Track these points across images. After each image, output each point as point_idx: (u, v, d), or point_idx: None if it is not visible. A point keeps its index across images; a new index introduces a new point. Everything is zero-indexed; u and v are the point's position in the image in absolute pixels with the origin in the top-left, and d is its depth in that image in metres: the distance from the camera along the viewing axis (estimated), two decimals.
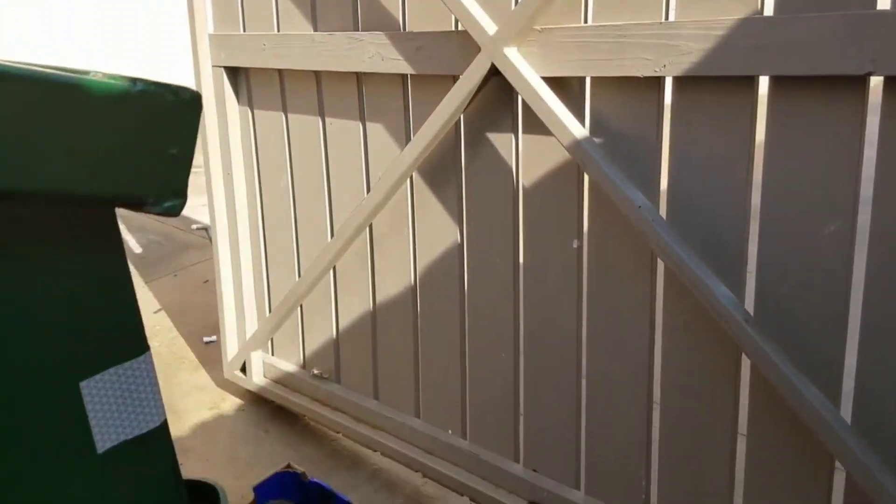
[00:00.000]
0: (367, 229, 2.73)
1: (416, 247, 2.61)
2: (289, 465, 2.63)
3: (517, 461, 2.50)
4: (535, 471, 2.45)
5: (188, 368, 3.75)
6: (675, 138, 1.93)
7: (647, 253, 2.04)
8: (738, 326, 1.84)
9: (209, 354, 3.82)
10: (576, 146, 2.04)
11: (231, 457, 3.09)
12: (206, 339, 3.94)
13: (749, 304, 1.89)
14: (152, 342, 4.02)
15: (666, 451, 2.15)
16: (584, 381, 2.29)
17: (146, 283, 4.69)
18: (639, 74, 1.89)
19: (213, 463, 3.05)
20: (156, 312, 4.31)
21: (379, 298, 2.77)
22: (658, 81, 1.92)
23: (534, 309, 2.34)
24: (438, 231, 2.52)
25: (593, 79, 2.03)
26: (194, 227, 5.38)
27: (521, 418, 2.47)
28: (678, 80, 1.88)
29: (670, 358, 2.08)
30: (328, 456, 3.05)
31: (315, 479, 2.55)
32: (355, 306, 2.87)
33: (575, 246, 2.21)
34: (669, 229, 1.94)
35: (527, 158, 2.25)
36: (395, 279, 2.69)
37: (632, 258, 2.09)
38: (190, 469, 3.01)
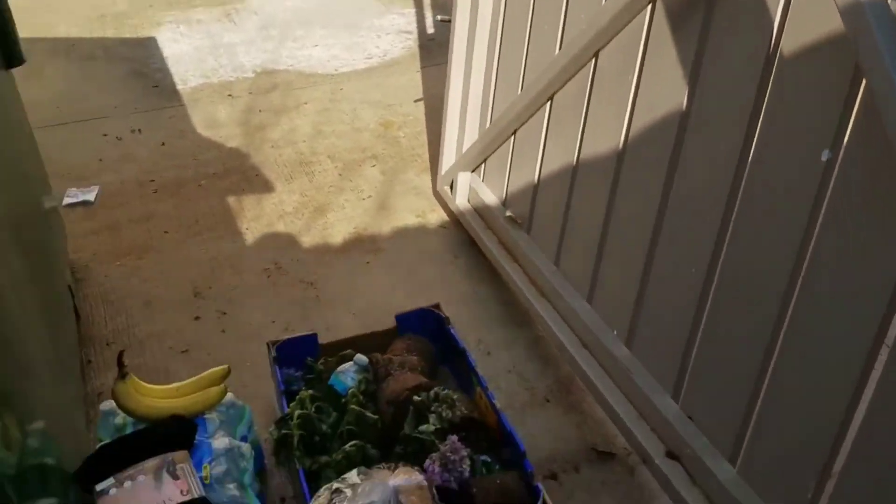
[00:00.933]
0: (592, 62, 2.18)
1: (637, 100, 2.02)
2: (437, 305, 2.44)
3: (675, 399, 2.01)
4: (690, 418, 1.96)
5: (416, 168, 3.64)
6: None
7: None
8: None
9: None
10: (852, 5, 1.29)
11: (412, 271, 2.98)
12: None
13: None
14: (398, 133, 3.99)
15: (855, 468, 1.53)
16: (779, 341, 1.68)
17: (421, 68, 4.57)
18: None
19: (394, 272, 2.98)
20: (416, 101, 4.20)
21: (583, 154, 2.28)
22: None
23: (746, 225, 1.72)
24: (664, 88, 1.91)
25: None
26: (438, 17, 5.02)
27: (694, 351, 1.93)
28: None
29: None
30: (500, 304, 2.80)
31: (454, 331, 2.33)
32: (560, 154, 2.41)
33: (825, 158, 1.51)
34: None
35: (798, 12, 1.51)
36: (604, 134, 2.16)
37: None
38: (371, 270, 2.98)
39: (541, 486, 1.85)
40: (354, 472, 1.74)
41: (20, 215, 2.12)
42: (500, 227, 2.79)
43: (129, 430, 1.94)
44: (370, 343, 2.33)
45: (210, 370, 2.04)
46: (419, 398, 1.98)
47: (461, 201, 3.05)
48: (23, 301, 1.79)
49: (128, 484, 1.75)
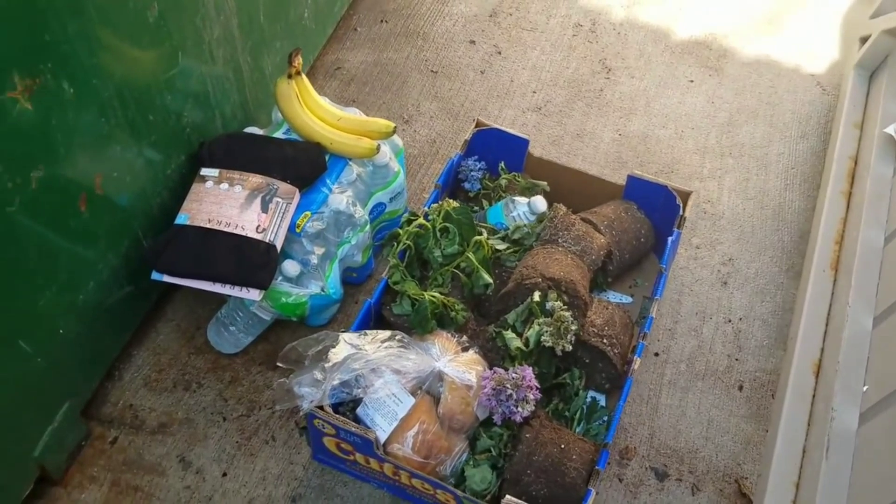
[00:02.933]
0: None
1: None
2: (687, 196, 1.75)
3: None
4: None
5: None
6: None
7: None
8: None
9: None
10: None
11: (731, 123, 2.19)
12: None
13: None
14: None
15: None
16: None
17: None
18: None
19: (708, 113, 2.21)
20: None
21: None
22: None
23: None
24: None
25: None
26: None
27: None
28: None
29: None
30: (794, 233, 1.97)
31: (675, 238, 1.69)
32: None
33: None
34: None
35: None
36: None
37: None
38: (685, 94, 2.25)
39: (592, 492, 1.37)
40: (385, 334, 1.40)
41: None
42: (870, 142, 1.84)
43: (279, 131, 1.77)
44: (582, 187, 1.81)
45: (375, 119, 1.72)
46: (539, 298, 1.50)
47: (859, 66, 2.06)
48: None
49: (224, 186, 1.62)
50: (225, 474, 1.53)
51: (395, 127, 1.72)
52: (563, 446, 1.44)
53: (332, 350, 1.33)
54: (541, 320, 1.47)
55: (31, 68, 1.16)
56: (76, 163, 1.32)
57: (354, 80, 2.26)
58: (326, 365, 1.31)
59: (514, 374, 1.41)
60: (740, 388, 1.71)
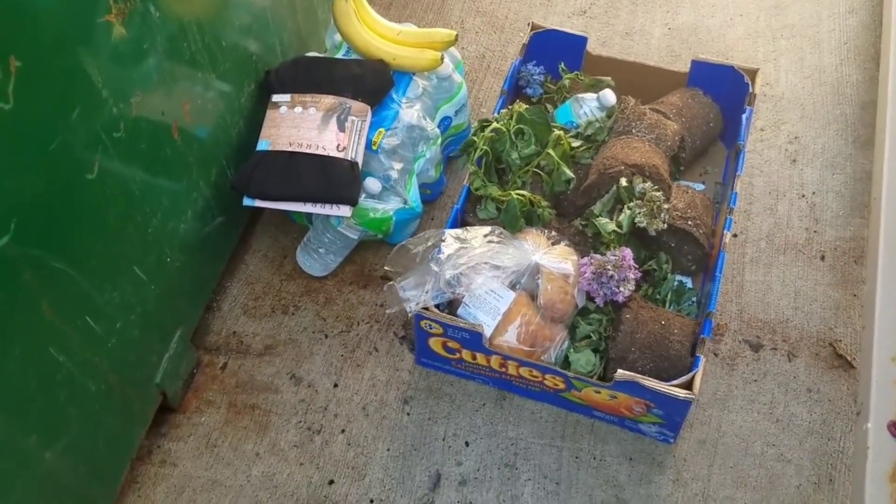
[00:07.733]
0: None
1: None
2: (754, 73, 1.75)
3: None
4: None
5: None
6: None
7: None
8: None
9: None
10: None
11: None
12: None
13: None
14: None
15: None
16: None
17: None
18: None
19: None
20: None
21: None
22: None
23: None
24: None
25: None
26: None
27: None
28: None
29: None
30: (860, 106, 1.97)
31: (749, 115, 1.69)
32: None
33: None
34: None
35: None
36: None
37: None
38: None
39: (701, 358, 1.41)
40: (485, 230, 1.43)
41: None
42: None
43: (338, 54, 1.78)
44: (644, 80, 1.81)
45: (436, 30, 1.72)
46: (627, 183, 1.52)
47: None
48: None
49: (298, 109, 1.64)
50: (336, 385, 1.58)
51: (458, 35, 1.72)
52: (663, 322, 1.48)
53: (443, 244, 1.36)
54: (631, 204, 1.49)
55: None
56: (167, 89, 1.34)
57: (393, 3, 2.25)
58: (440, 256, 1.34)
59: (612, 256, 1.44)
60: (822, 257, 1.73)
